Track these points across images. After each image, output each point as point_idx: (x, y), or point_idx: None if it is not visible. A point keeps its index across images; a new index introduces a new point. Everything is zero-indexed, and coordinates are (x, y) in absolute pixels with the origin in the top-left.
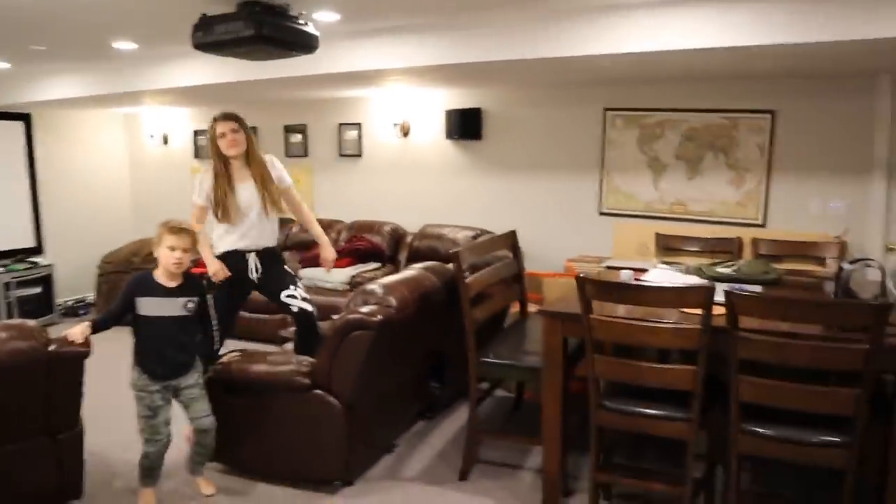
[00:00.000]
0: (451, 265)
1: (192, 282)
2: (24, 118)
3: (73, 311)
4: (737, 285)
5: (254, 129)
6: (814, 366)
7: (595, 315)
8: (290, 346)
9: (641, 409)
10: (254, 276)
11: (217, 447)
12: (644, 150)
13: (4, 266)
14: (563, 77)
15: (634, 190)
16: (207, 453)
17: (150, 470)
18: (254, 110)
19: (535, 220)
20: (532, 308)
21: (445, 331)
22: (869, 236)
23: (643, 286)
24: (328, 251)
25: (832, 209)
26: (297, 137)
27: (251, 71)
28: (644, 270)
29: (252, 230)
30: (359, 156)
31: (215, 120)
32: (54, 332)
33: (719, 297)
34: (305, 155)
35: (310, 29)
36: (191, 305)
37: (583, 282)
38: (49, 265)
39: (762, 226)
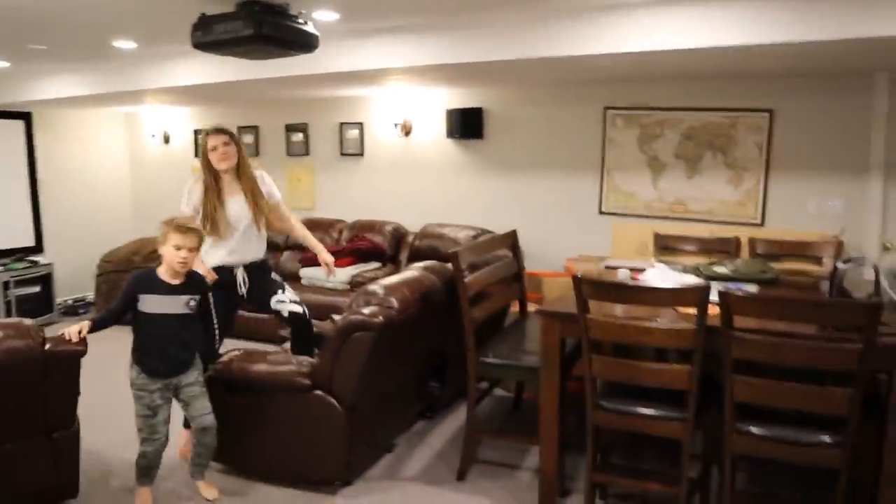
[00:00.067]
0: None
1: (194, 279)
2: (25, 117)
3: (73, 311)
4: (733, 285)
5: (255, 128)
6: (808, 366)
7: (591, 315)
8: (289, 345)
9: (637, 409)
10: (242, 290)
11: (217, 447)
12: (644, 150)
13: (4, 265)
14: (564, 76)
15: (634, 189)
16: (209, 454)
17: (148, 469)
18: (255, 109)
19: (536, 220)
20: (532, 308)
21: (446, 331)
22: (866, 235)
23: (639, 286)
24: (326, 256)
25: (830, 208)
26: (298, 136)
27: (251, 70)
28: (642, 270)
29: (241, 245)
30: (360, 155)
31: (207, 133)
32: (53, 332)
33: (715, 296)
34: (307, 154)
35: (309, 28)
36: (193, 303)
37: (579, 281)
38: (49, 264)
39: (760, 225)
